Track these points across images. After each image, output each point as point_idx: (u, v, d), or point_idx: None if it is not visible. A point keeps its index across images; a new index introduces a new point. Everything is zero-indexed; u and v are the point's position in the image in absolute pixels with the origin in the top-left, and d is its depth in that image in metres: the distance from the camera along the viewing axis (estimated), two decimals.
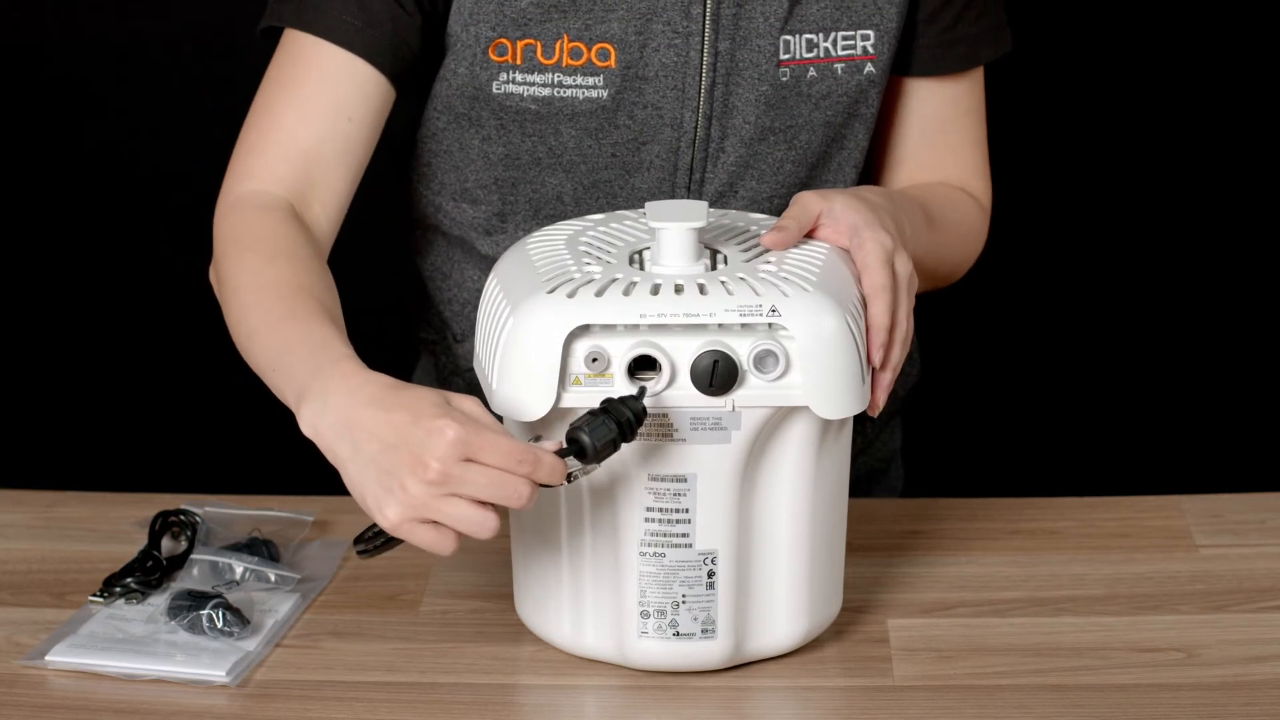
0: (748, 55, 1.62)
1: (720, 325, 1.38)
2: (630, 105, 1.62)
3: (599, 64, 1.60)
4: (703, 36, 1.61)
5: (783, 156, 1.66)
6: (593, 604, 1.44)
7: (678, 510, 1.40)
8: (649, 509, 1.40)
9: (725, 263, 1.44)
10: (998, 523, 1.67)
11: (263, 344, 1.45)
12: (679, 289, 1.39)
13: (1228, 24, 2.62)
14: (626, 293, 1.38)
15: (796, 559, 1.43)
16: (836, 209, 1.47)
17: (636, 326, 1.38)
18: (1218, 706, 1.41)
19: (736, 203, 1.67)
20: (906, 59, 1.70)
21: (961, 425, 2.69)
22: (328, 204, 1.60)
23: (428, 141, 1.69)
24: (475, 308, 1.72)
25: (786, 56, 1.63)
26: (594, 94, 1.61)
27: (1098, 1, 2.62)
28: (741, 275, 1.40)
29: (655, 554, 1.41)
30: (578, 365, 1.37)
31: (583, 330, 1.37)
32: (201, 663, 1.45)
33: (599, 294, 1.38)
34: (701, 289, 1.38)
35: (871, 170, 1.76)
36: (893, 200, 1.55)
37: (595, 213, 1.65)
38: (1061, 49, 2.61)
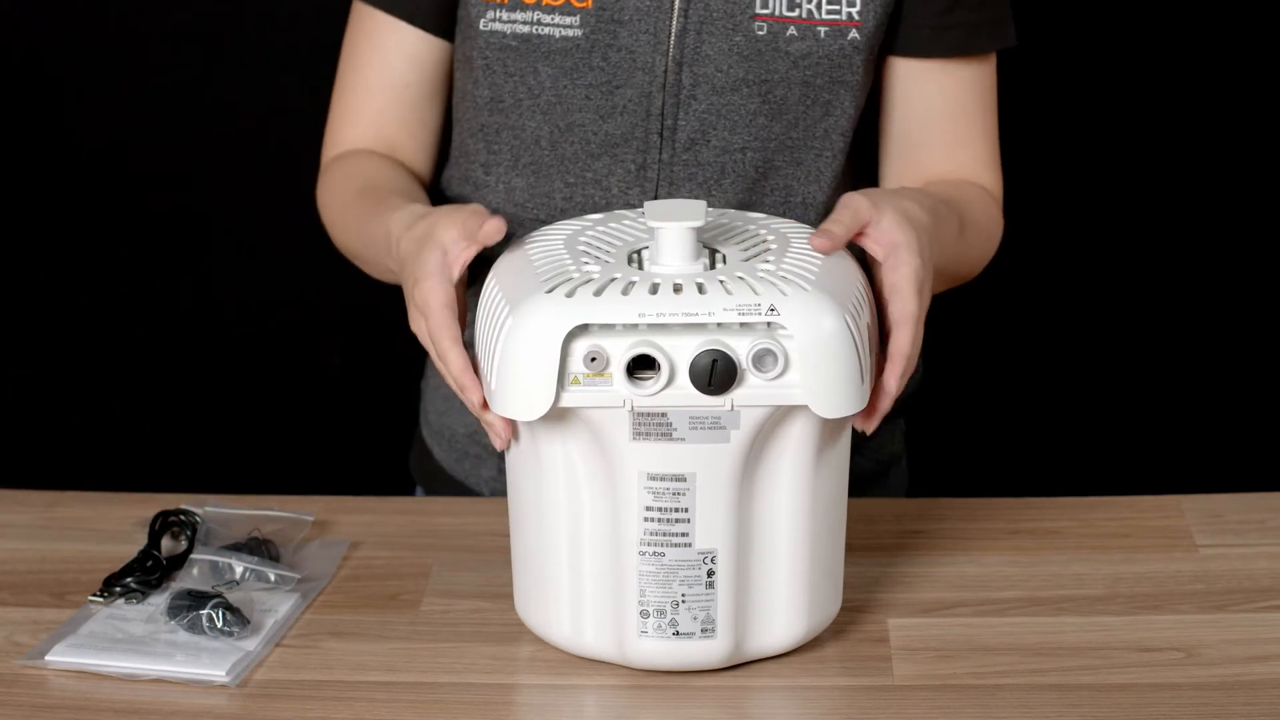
0: (721, 4, 1.65)
1: (719, 324, 1.38)
2: (604, 47, 1.66)
3: (576, 4, 1.66)
4: None
5: (756, 109, 1.68)
6: (592, 604, 1.44)
7: (677, 510, 1.40)
8: (648, 508, 1.40)
9: (724, 262, 1.44)
10: (998, 523, 1.67)
11: (355, 241, 1.69)
12: (678, 288, 1.39)
13: (1234, 23, 2.62)
14: (625, 292, 1.38)
15: (796, 558, 1.43)
16: (885, 224, 1.47)
17: (635, 326, 1.38)
18: (1218, 706, 1.41)
19: (709, 151, 1.68)
20: (903, 39, 1.70)
21: (962, 426, 2.69)
22: (416, 152, 1.78)
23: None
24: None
25: (764, 11, 1.66)
26: (569, 33, 1.66)
27: (1105, 1, 2.62)
28: (740, 274, 1.40)
29: (655, 553, 1.41)
30: (577, 365, 1.37)
31: (581, 330, 1.37)
32: (201, 663, 1.45)
33: (598, 293, 1.38)
34: (700, 288, 1.38)
35: (878, 157, 1.76)
36: (935, 216, 1.55)
37: (572, 157, 1.67)
38: (1065, 50, 2.61)
